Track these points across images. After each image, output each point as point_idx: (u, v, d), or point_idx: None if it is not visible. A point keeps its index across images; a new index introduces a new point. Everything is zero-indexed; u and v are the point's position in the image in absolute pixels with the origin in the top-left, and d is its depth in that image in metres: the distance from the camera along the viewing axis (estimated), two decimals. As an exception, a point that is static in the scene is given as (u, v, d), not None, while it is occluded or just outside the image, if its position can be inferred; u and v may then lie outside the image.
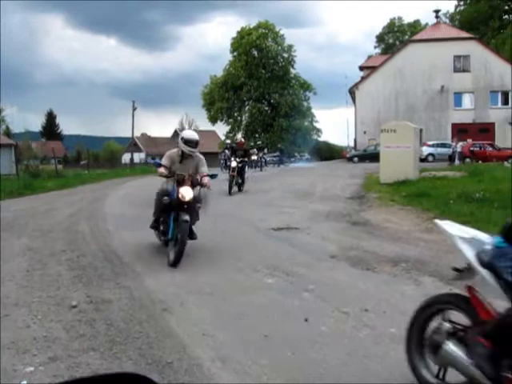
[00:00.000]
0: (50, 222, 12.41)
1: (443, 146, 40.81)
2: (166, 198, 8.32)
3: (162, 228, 8.79)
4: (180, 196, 8.13)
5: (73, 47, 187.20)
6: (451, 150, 35.39)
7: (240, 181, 19.32)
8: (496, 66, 47.99)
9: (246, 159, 20.52)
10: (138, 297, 6.38)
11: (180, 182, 8.34)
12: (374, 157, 33.78)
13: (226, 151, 32.26)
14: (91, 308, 5.96)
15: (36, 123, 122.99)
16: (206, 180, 8.54)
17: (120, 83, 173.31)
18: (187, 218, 8.03)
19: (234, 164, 18.86)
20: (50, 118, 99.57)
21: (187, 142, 8.63)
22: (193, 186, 8.40)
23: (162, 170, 8.62)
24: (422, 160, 37.58)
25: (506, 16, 70.31)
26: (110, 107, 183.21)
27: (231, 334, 5.20)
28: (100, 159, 70.98)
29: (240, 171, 19.20)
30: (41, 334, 5.11)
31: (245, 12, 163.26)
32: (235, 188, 18.93)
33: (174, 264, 7.87)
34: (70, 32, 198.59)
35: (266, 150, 42.57)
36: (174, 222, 8.21)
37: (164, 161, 8.82)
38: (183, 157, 8.69)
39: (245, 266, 7.96)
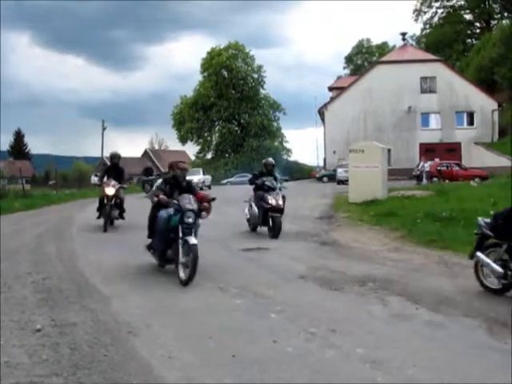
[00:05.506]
0: (16, 244, 12.17)
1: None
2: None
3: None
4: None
5: (40, 66, 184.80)
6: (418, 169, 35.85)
7: None
8: (461, 88, 49.16)
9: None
10: (103, 319, 6.28)
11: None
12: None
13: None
14: (55, 332, 5.84)
15: (3, 142, 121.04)
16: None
17: (89, 102, 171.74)
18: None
19: None
20: (18, 137, 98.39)
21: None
22: None
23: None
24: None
25: (469, 40, 72.46)
26: (79, 126, 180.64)
27: (198, 356, 5.14)
28: (69, 179, 69.97)
29: None
30: (2, 360, 4.97)
31: (213, 32, 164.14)
32: None
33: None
34: (37, 50, 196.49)
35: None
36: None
37: None
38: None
39: (213, 287, 7.91)
